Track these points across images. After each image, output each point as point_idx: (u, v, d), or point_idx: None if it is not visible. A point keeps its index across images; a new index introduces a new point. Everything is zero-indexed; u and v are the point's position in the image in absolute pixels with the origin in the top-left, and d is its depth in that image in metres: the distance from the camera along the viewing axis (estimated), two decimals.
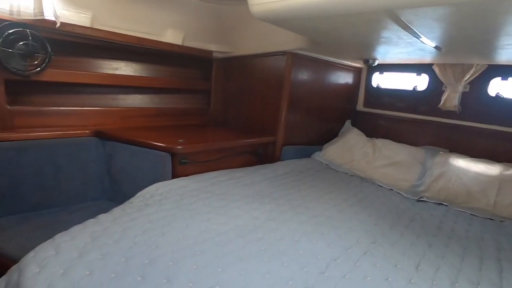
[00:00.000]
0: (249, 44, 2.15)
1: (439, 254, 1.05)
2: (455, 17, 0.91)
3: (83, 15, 1.59)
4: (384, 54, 1.82)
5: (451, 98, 1.97)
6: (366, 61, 2.05)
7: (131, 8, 1.78)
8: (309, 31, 1.39)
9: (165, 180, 1.50)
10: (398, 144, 2.09)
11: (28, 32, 1.37)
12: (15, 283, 0.78)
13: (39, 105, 1.69)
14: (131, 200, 1.29)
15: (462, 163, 1.80)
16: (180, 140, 1.63)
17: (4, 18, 1.37)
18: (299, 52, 1.94)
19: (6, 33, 1.33)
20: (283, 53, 1.93)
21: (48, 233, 1.34)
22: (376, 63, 2.05)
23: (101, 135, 1.71)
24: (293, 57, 1.94)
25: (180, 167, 1.56)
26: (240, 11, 2.11)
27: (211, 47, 2.20)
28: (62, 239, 0.93)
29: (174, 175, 1.55)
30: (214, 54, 2.28)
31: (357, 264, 0.93)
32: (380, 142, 2.15)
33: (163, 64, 2.15)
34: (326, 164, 2.11)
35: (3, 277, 0.86)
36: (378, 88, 2.43)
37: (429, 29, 1.03)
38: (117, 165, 1.70)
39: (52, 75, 1.60)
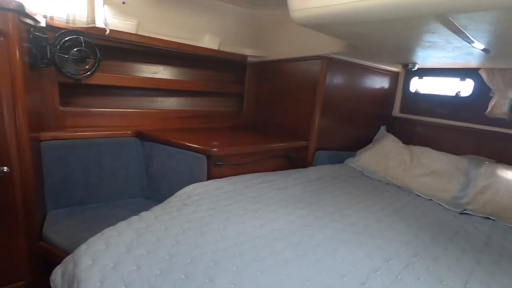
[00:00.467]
0: (283, 48, 2.16)
1: (489, 272, 0.99)
2: None
3: (129, 22, 1.69)
4: (426, 58, 1.75)
5: (500, 105, 1.84)
6: (405, 66, 1.98)
7: (172, 15, 1.86)
8: (349, 35, 1.37)
9: (201, 181, 1.54)
10: (438, 152, 1.99)
11: (82, 39, 1.48)
12: (70, 273, 0.84)
13: (86, 106, 1.82)
14: (170, 199, 1.34)
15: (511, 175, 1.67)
16: (215, 143, 1.67)
17: (61, 26, 1.49)
18: (335, 56, 1.92)
19: (63, 40, 1.44)
20: (319, 57, 1.91)
21: (93, 226, 1.45)
22: (416, 68, 1.97)
23: (141, 136, 1.80)
24: (328, 61, 1.91)
25: (215, 169, 1.60)
26: (275, 16, 2.12)
27: (246, 51, 2.24)
28: (110, 233, 0.99)
29: (209, 177, 1.59)
30: (248, 58, 2.31)
31: (399, 277, 0.90)
32: (418, 150, 2.06)
33: (198, 68, 2.22)
34: (360, 171, 2.05)
35: (59, 266, 0.93)
36: (416, 93, 2.33)
37: (483, 33, 0.98)
38: (155, 165, 1.78)
39: (99, 78, 1.71)
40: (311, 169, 1.93)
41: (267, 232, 1.08)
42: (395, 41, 1.37)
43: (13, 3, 1.11)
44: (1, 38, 1.12)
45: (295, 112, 2.12)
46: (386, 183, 1.89)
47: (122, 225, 1.05)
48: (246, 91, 2.44)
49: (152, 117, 2.01)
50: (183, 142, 1.64)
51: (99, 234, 1.00)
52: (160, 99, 2.10)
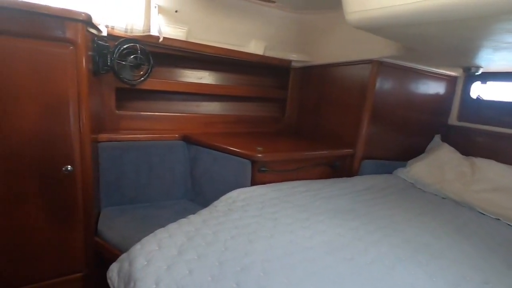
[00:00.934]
0: (329, 52, 2.10)
1: None
2: None
3: (180, 30, 1.76)
4: (495, 61, 1.58)
5: None
6: (467, 70, 1.81)
7: (220, 21, 1.90)
8: (407, 38, 1.29)
9: (244, 186, 1.54)
10: (505, 166, 1.78)
11: (138, 47, 1.57)
12: (126, 272, 0.87)
13: (138, 110, 1.92)
14: (215, 203, 1.35)
15: None
16: (259, 148, 1.66)
17: (120, 35, 1.60)
18: (386, 60, 1.82)
19: (122, 48, 1.54)
20: (369, 61, 1.82)
21: (142, 225, 1.51)
22: (480, 72, 1.79)
23: (187, 139, 1.85)
24: (379, 65, 1.82)
25: (259, 174, 1.59)
26: (321, 19, 2.08)
27: (291, 56, 2.22)
28: (162, 235, 1.01)
29: (253, 182, 1.58)
30: (292, 63, 2.29)
31: None
32: (481, 162, 1.86)
33: (242, 73, 2.24)
34: (411, 183, 1.91)
35: (115, 264, 0.97)
36: (478, 99, 2.12)
37: None
38: (199, 168, 1.81)
39: (151, 84, 1.80)
40: (357, 178, 1.83)
41: (317, 243, 1.03)
42: (460, 43, 1.25)
43: (83, 14, 1.20)
44: (71, 47, 1.21)
45: (341, 118, 2.04)
46: (443, 198, 1.73)
47: (172, 227, 1.08)
48: (289, 97, 2.42)
49: (197, 121, 2.07)
50: (228, 147, 1.65)
51: (152, 234, 1.03)
52: (205, 103, 2.15)
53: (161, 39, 1.64)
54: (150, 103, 1.99)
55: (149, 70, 1.69)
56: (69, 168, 1.30)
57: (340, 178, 1.82)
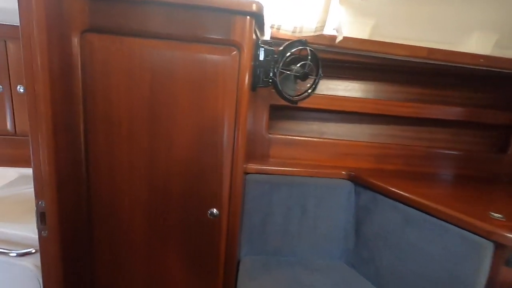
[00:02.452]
0: None
1: None
2: None
3: (365, 23, 1.24)
4: None
5: None
6: None
7: (419, 10, 1.27)
8: None
9: (472, 284, 0.86)
10: None
11: (309, 51, 1.15)
12: None
13: (289, 133, 1.52)
14: None
15: None
16: (495, 215, 0.94)
17: (285, 37, 1.22)
18: None
19: (288, 54, 1.15)
20: None
21: None
22: None
23: (355, 179, 1.31)
24: None
25: (507, 269, 0.87)
26: None
27: None
28: None
29: (492, 282, 0.87)
30: None
31: None
32: None
33: (436, 85, 1.53)
34: None
35: None
36: None
37: None
38: (373, 225, 1.23)
39: (313, 100, 1.36)
40: None
41: None
42: None
43: (254, 5, 0.85)
44: (234, 52, 0.88)
45: None
46: None
47: None
48: None
49: (364, 151, 1.49)
50: (437, 206, 1.00)
51: None
52: (375, 127, 1.56)
53: (339, 39, 1.18)
54: (301, 124, 1.57)
55: (316, 82, 1.25)
56: (214, 212, 0.98)
57: None
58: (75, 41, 0.81)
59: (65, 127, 0.84)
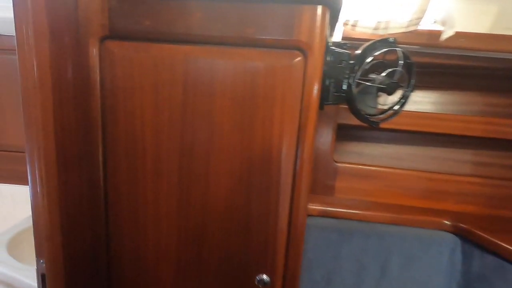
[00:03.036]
0: None
1: None
2: None
3: (483, 12, 0.87)
4: None
5: None
6: None
7: None
8: None
9: None
10: None
11: (401, 54, 0.82)
12: None
13: (359, 159, 1.19)
14: None
15: None
16: None
17: (364, 37, 0.92)
18: None
19: (368, 59, 0.84)
20: None
21: None
22: None
23: (463, 232, 0.92)
24: None
25: None
26: None
27: None
28: None
29: None
30: None
31: None
32: None
33: None
34: None
35: None
36: None
37: None
38: None
39: (401, 120, 1.01)
40: None
41: None
42: None
43: None
44: (298, 58, 0.61)
45: None
46: None
47: None
48: None
49: (470, 189, 1.08)
50: None
51: None
52: (487, 155, 1.13)
53: (447, 35, 0.83)
54: (372, 146, 1.22)
55: (407, 96, 0.91)
56: (265, 279, 0.71)
57: None
58: (93, 51, 0.63)
59: (79, 161, 0.66)
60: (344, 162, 1.13)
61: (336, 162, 1.12)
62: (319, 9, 0.59)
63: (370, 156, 1.22)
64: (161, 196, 0.70)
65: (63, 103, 0.60)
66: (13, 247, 1.03)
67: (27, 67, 0.52)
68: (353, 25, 0.90)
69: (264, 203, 0.67)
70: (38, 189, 0.56)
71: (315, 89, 0.62)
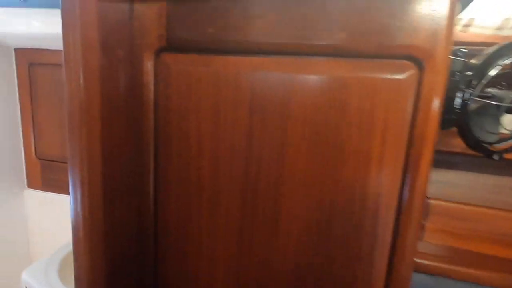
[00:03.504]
0: None
1: None
2: None
3: None
4: None
5: None
6: None
7: None
8: None
9: None
10: None
11: None
12: None
13: (450, 194, 0.93)
14: None
15: None
16: None
17: (478, 40, 0.69)
18: None
19: (493, 72, 0.62)
20: None
21: None
22: None
23: None
24: None
25: None
26: None
27: None
28: None
29: None
30: None
31: None
32: None
33: None
34: None
35: None
36: None
37: None
38: None
39: None
40: None
41: None
42: None
43: None
44: (409, 71, 0.44)
45: None
46: None
47: None
48: None
49: None
50: None
51: None
52: None
53: None
54: (467, 176, 0.95)
55: None
56: None
57: None
58: (148, 65, 0.54)
59: (127, 192, 0.57)
60: (439, 199, 0.88)
61: (430, 199, 0.89)
62: (448, 2, 0.41)
63: (463, 187, 0.96)
64: (218, 233, 0.57)
65: (112, 127, 0.51)
66: (65, 266, 1.00)
67: (72, 86, 0.43)
68: (466, 25, 0.68)
69: (349, 267, 0.50)
70: (84, 233, 0.48)
71: (434, 114, 0.44)
